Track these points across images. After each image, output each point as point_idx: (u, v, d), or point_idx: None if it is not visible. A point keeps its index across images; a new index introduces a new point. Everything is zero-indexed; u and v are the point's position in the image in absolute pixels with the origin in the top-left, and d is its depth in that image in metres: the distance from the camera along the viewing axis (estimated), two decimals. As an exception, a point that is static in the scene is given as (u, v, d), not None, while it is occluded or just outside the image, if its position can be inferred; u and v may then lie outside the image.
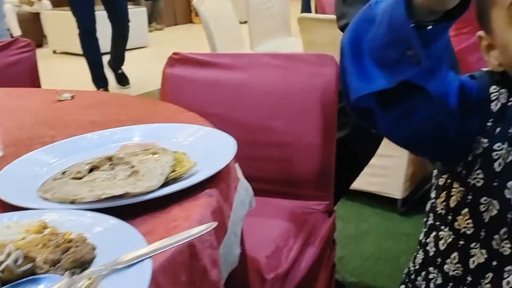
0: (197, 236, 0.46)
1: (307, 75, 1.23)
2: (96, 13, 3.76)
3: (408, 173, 1.90)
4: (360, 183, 1.87)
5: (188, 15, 8.10)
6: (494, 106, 0.63)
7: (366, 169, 1.89)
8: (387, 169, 1.93)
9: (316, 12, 3.23)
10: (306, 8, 5.50)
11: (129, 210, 0.54)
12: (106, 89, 3.90)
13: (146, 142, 0.75)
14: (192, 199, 0.57)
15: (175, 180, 0.61)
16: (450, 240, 0.69)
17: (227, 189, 0.63)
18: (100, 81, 3.89)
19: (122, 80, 4.20)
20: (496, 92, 0.63)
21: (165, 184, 0.59)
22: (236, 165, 0.78)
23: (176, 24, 7.94)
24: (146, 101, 1.11)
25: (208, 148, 0.70)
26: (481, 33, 0.64)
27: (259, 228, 1.11)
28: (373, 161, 1.85)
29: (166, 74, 1.38)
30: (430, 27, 0.51)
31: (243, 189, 0.71)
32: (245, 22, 3.22)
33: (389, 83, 0.54)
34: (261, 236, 1.08)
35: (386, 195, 1.95)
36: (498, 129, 0.62)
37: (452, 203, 0.68)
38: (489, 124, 0.62)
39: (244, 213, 0.69)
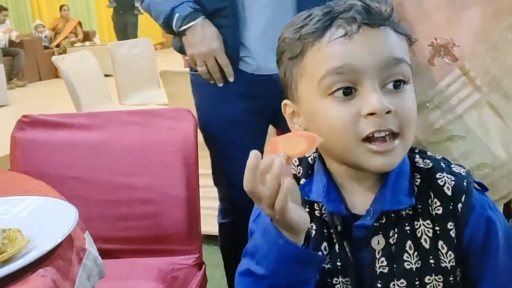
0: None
1: (165, 130, 1.24)
2: None
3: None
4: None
5: (53, 69, 7.71)
6: None
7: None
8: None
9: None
10: None
11: None
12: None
13: (-24, 221, 0.68)
14: (21, 283, 0.52)
15: (5, 262, 0.56)
16: None
17: (67, 264, 0.60)
18: None
19: None
20: None
21: (-7, 269, 0.54)
22: (86, 234, 0.74)
23: (40, 80, 7.52)
24: (-12, 172, 1.02)
25: (47, 221, 0.66)
26: (287, 101, 0.69)
27: (127, 293, 1.07)
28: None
29: (15, 139, 1.29)
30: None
31: (90, 260, 0.67)
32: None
33: None
34: (128, 301, 1.04)
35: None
36: None
37: None
38: None
39: (93, 286, 0.66)
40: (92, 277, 0.66)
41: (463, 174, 0.67)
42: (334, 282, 0.68)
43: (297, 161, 0.73)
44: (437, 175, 0.66)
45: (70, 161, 1.28)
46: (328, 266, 0.68)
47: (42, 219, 0.67)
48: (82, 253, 0.66)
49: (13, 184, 0.89)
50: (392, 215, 0.66)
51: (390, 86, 0.61)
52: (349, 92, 0.60)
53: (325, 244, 0.69)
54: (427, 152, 0.71)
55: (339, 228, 0.67)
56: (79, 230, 0.70)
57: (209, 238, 1.98)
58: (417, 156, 0.69)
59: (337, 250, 0.67)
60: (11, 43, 7.37)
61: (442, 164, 0.68)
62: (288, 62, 0.66)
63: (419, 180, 0.67)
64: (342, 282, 0.68)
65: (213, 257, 1.95)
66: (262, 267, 0.60)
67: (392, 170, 0.65)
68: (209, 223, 1.93)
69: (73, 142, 1.29)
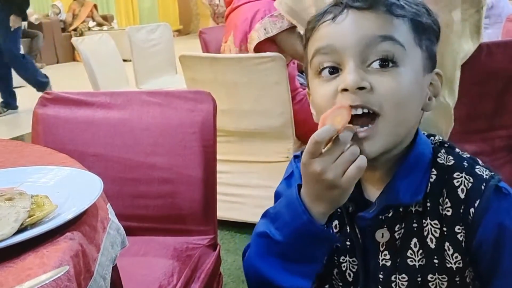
0: (45, 283, 0.44)
1: (185, 111, 1.25)
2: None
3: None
4: (249, 215, 1.91)
5: (71, 52, 7.80)
6: None
7: (252, 200, 1.94)
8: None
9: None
10: None
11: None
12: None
13: (5, 187, 0.70)
14: (50, 244, 0.54)
15: (33, 225, 0.58)
16: None
17: (93, 230, 0.61)
18: None
19: None
20: None
21: (22, 230, 0.56)
22: (108, 205, 0.76)
23: (58, 62, 7.60)
24: (12, 144, 1.04)
25: (73, 190, 0.68)
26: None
27: (142, 268, 1.09)
28: (260, 192, 1.90)
29: (37, 115, 1.31)
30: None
31: (113, 229, 0.69)
32: (130, 60, 3.19)
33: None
34: (144, 276, 1.05)
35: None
36: None
37: None
38: None
39: (116, 254, 0.67)
40: (116, 245, 0.67)
41: (485, 176, 0.63)
42: (341, 260, 0.70)
43: None
44: (455, 175, 0.64)
45: (91, 138, 1.30)
46: (337, 244, 0.70)
47: (68, 188, 0.68)
48: (106, 222, 0.68)
49: (38, 156, 0.91)
50: (400, 209, 0.65)
51: (376, 65, 0.61)
52: (334, 71, 0.63)
53: (336, 222, 0.71)
54: (456, 148, 0.69)
55: (350, 209, 0.69)
56: (102, 200, 0.72)
57: (221, 223, 2.01)
58: (442, 150, 0.67)
59: (348, 231, 0.69)
60: (30, 25, 7.43)
61: (465, 163, 0.65)
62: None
63: (434, 177, 0.65)
64: (348, 261, 0.69)
65: (225, 242, 1.97)
66: (280, 234, 0.62)
67: (406, 161, 0.64)
68: (221, 208, 1.96)
69: (94, 120, 1.31)
